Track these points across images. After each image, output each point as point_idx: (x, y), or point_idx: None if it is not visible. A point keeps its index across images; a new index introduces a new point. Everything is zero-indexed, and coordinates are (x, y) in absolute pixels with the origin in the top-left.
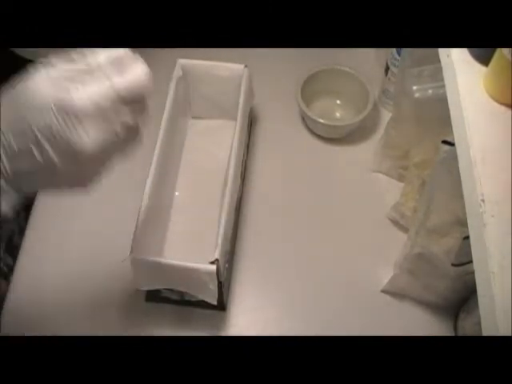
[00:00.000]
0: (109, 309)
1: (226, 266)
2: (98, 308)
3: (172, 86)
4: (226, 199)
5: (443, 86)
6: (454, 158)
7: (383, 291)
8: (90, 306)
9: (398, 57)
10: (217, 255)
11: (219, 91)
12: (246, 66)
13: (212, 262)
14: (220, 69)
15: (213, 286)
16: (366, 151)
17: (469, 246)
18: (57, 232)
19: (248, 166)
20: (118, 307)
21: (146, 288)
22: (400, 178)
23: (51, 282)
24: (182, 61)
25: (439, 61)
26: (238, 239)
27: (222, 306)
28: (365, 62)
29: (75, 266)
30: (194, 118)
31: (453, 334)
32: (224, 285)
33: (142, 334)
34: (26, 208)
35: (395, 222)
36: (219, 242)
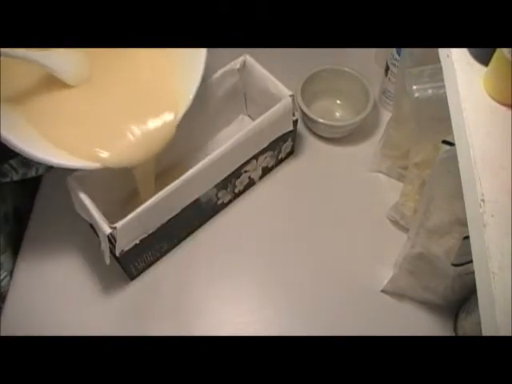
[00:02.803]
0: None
1: (136, 242)
2: (98, 305)
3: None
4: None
5: (443, 86)
6: (454, 157)
7: (383, 291)
8: (91, 304)
9: (398, 57)
10: (119, 225)
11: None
12: (292, 96)
13: (112, 227)
14: (271, 83)
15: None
16: (366, 151)
17: (469, 245)
18: (57, 232)
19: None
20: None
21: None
22: (400, 178)
23: (51, 282)
24: (248, 57)
25: (439, 61)
26: (238, 239)
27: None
28: (365, 62)
29: (75, 265)
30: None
31: (453, 334)
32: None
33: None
34: (25, 208)
35: (395, 222)
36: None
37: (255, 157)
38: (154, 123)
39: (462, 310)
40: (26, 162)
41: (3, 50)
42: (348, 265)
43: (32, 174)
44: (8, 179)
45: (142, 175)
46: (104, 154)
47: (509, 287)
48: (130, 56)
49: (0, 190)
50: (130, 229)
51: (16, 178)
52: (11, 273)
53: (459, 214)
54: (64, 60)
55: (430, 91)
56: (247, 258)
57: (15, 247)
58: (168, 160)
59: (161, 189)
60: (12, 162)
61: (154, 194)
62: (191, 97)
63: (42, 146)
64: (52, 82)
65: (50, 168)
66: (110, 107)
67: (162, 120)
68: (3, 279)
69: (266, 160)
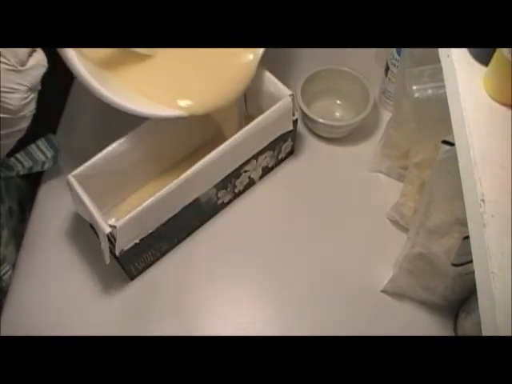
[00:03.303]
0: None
1: (136, 241)
2: (98, 305)
3: None
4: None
5: (443, 86)
6: (454, 157)
7: (383, 291)
8: (91, 304)
9: (398, 57)
10: (119, 224)
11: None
12: (292, 96)
13: (112, 227)
14: (270, 83)
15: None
16: (366, 151)
17: (469, 245)
18: (57, 231)
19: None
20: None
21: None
22: (400, 178)
23: (51, 282)
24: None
25: (439, 61)
26: (238, 239)
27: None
28: (365, 62)
29: (75, 265)
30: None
31: (453, 334)
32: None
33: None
34: (27, 207)
35: (395, 222)
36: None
37: (255, 156)
38: (234, 66)
39: (462, 309)
40: (32, 155)
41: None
42: (348, 265)
43: (38, 168)
44: (14, 173)
45: (226, 114)
46: (195, 100)
47: (509, 287)
48: None
49: (6, 184)
50: (129, 228)
51: (22, 171)
52: (14, 267)
53: (459, 214)
54: None
55: (430, 91)
56: (247, 257)
57: (19, 242)
58: (168, 160)
59: (161, 189)
60: (18, 155)
61: (236, 132)
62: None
63: (138, 101)
64: (127, 54)
65: (55, 162)
66: (188, 64)
67: (242, 61)
68: (5, 273)
69: (266, 160)
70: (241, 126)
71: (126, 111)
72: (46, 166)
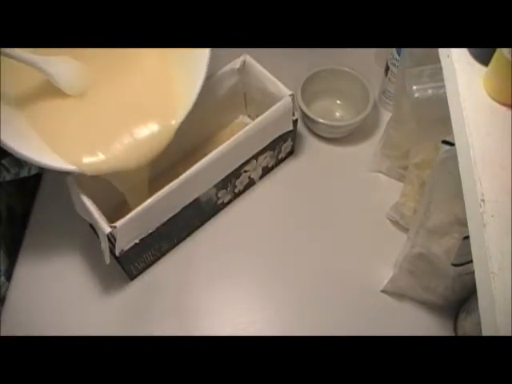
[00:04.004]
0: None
1: (136, 241)
2: (98, 305)
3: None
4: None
5: (443, 86)
6: (454, 158)
7: (383, 291)
8: (91, 304)
9: (398, 57)
10: (119, 224)
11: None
12: (291, 96)
13: (112, 226)
14: (270, 83)
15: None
16: (366, 151)
17: (469, 245)
18: (57, 232)
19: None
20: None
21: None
22: (400, 178)
23: (51, 282)
24: (248, 57)
25: (439, 61)
26: (238, 239)
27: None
28: (365, 62)
29: (75, 265)
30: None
31: (453, 334)
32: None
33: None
34: (24, 208)
35: (395, 222)
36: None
37: (255, 156)
38: (152, 128)
39: (462, 310)
40: (18, 161)
41: (3, 49)
42: (348, 265)
43: (24, 173)
44: (0, 179)
45: (135, 181)
46: (98, 158)
47: (509, 287)
48: (131, 61)
49: None
50: (129, 228)
51: (9, 177)
52: (6, 273)
53: (459, 214)
54: (62, 68)
55: (430, 91)
56: (247, 257)
57: (8, 248)
58: (168, 160)
59: (160, 189)
60: (4, 161)
61: (144, 200)
62: (191, 102)
63: (38, 148)
64: (53, 89)
65: (42, 168)
66: (109, 114)
67: (161, 125)
68: None
69: (266, 160)
70: (145, 197)
71: (20, 157)
72: (33, 172)
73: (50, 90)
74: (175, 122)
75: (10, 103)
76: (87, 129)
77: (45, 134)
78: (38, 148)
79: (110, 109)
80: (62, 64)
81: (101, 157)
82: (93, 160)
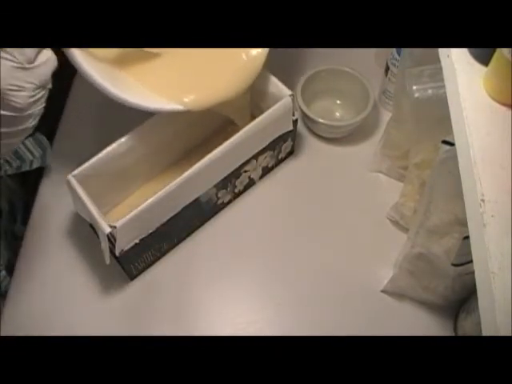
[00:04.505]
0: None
1: (136, 241)
2: (98, 305)
3: None
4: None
5: (443, 86)
6: (454, 158)
7: (383, 291)
8: (91, 304)
9: (398, 57)
10: (119, 224)
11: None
12: (291, 96)
13: (112, 227)
14: (270, 83)
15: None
16: (366, 151)
17: (469, 245)
18: (57, 231)
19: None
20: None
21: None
22: (400, 178)
23: (51, 282)
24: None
25: (439, 61)
26: (238, 239)
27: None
28: (365, 62)
29: (75, 265)
30: None
31: (453, 334)
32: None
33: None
34: (27, 205)
35: (395, 222)
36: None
37: (255, 156)
38: (240, 60)
39: (462, 310)
40: (20, 155)
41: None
42: (348, 265)
43: (26, 167)
44: (2, 172)
45: (238, 106)
46: (201, 93)
47: (509, 287)
48: None
49: None
50: (129, 228)
51: (10, 171)
52: (7, 268)
53: (459, 214)
54: None
55: (430, 91)
56: (247, 257)
57: (10, 242)
58: (168, 160)
59: (161, 188)
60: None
61: (249, 122)
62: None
63: (142, 95)
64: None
65: (44, 161)
66: (197, 60)
67: (248, 55)
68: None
69: (266, 160)
70: (250, 117)
71: (129, 105)
72: (35, 165)
73: (131, 53)
74: (258, 51)
75: (113, 64)
76: (182, 74)
77: (147, 83)
78: (146, 96)
79: (196, 57)
80: None
81: (203, 92)
82: (196, 97)
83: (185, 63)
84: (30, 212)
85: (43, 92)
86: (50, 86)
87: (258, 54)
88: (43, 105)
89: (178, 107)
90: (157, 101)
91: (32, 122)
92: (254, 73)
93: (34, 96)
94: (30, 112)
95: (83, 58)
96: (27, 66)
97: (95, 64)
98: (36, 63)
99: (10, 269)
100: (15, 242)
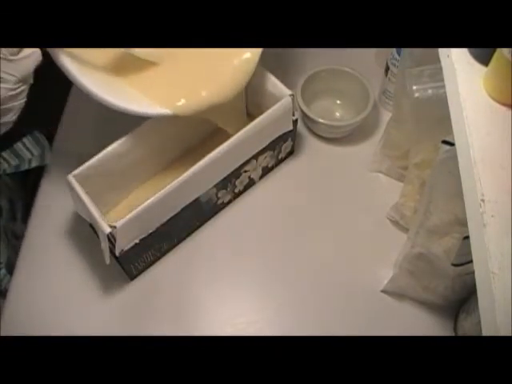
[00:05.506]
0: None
1: (136, 241)
2: (98, 305)
3: None
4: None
5: (443, 86)
6: (454, 158)
7: (383, 291)
8: (91, 304)
9: (398, 57)
10: (119, 224)
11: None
12: (291, 96)
13: (112, 227)
14: (270, 83)
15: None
16: (366, 151)
17: (469, 245)
18: (57, 231)
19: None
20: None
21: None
22: (400, 178)
23: (51, 282)
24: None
25: (439, 61)
26: (238, 239)
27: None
28: (365, 62)
29: (75, 265)
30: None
31: (453, 334)
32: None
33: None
34: (26, 205)
35: (395, 222)
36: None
37: (255, 156)
38: (232, 64)
39: (462, 310)
40: (18, 154)
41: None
42: (348, 265)
43: (25, 166)
44: (1, 171)
45: (231, 112)
46: (192, 98)
47: (509, 287)
48: None
49: None
50: (129, 228)
51: (9, 170)
52: (7, 266)
53: (459, 214)
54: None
55: (429, 91)
56: (247, 257)
57: (10, 240)
58: (168, 159)
59: (161, 188)
60: (4, 153)
61: (241, 127)
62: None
63: (136, 100)
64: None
65: (43, 160)
66: (190, 66)
67: (239, 59)
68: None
69: (266, 160)
70: (243, 123)
71: (116, 109)
72: (33, 164)
73: (133, 57)
74: (251, 53)
75: (106, 71)
76: (174, 80)
77: (140, 88)
78: (137, 100)
79: (188, 62)
80: None
81: (195, 97)
82: (187, 101)
83: (177, 68)
84: (30, 211)
85: (24, 87)
86: (31, 81)
87: (249, 57)
88: (24, 99)
89: (167, 112)
90: (145, 105)
91: (12, 117)
92: (245, 77)
93: (14, 89)
94: (8, 106)
95: (70, 63)
96: (10, 57)
97: (84, 68)
98: (20, 56)
99: (10, 267)
100: (15, 241)
